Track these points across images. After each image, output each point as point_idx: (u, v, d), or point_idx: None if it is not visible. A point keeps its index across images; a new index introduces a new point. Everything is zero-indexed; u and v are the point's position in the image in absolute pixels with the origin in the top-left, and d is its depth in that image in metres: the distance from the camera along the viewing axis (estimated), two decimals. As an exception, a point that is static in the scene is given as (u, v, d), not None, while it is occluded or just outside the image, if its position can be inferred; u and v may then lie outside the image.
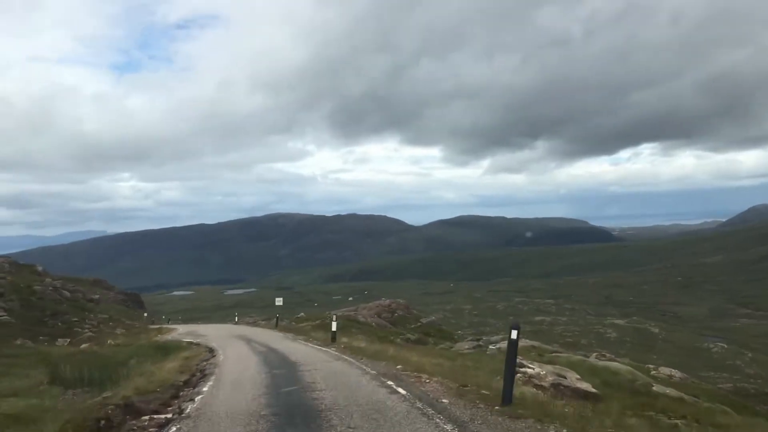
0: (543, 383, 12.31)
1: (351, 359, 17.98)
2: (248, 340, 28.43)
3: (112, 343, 29.84)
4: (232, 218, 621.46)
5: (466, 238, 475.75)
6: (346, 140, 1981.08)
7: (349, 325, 41.77)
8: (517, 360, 11.01)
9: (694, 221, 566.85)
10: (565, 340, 69.56)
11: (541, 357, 22.09)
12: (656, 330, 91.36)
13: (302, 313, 58.77)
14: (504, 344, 28.75)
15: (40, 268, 57.33)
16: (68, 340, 33.38)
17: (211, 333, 36.03)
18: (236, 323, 57.69)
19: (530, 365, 13.42)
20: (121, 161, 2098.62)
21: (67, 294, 49.52)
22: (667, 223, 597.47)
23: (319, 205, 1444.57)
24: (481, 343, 32.42)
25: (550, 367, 13.87)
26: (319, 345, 25.14)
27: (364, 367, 15.77)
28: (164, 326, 53.24)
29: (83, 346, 28.96)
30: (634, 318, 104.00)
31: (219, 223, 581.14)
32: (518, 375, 11.74)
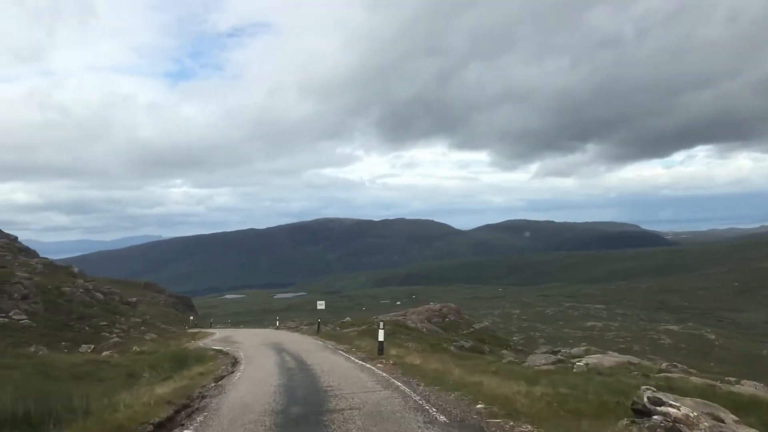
0: (698, 432, 8.09)
1: (404, 387, 13.57)
2: (281, 350, 25.60)
3: (137, 350, 28.27)
4: (281, 223, 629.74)
5: (514, 243, 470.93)
6: (394, 145, 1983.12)
7: (397, 330, 39.31)
8: (651, 393, 8.97)
9: (751, 225, 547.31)
10: (617, 346, 68.47)
11: (647, 378, 18.48)
12: (712, 336, 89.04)
13: (348, 318, 56.01)
14: (593, 359, 25.72)
15: (75, 269, 55.58)
16: (92, 346, 31.64)
17: (245, 340, 33.82)
18: (277, 327, 55.01)
19: (672, 402, 8.74)
20: (174, 168, 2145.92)
21: (100, 296, 47.23)
22: (722, 227, 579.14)
23: (366, 209, 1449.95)
24: (560, 356, 26.61)
25: (691, 402, 9.14)
26: (362, 359, 20.87)
27: (428, 407, 11.02)
28: (203, 330, 51.61)
29: (105, 353, 27.81)
30: (689, 324, 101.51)
31: (268, 228, 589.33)
32: (656, 418, 8.51)
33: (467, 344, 40.37)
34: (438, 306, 57.54)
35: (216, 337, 37.95)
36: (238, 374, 16.95)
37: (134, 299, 64.21)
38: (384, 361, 19.66)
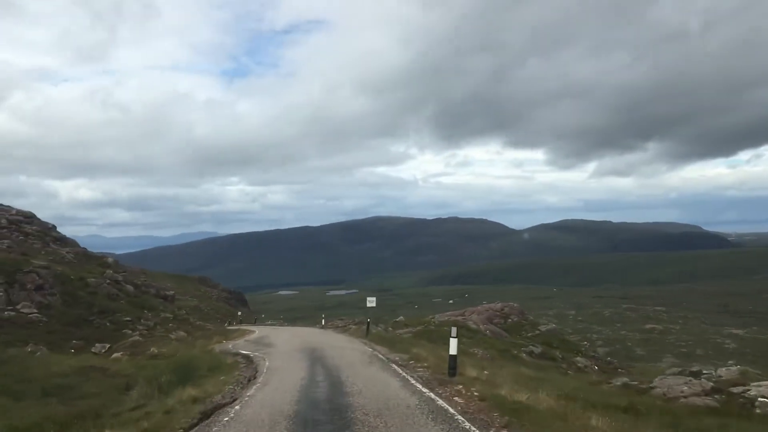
0: None
1: None
2: (317, 360, 20.33)
3: (154, 351, 24.68)
4: (334, 221, 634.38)
5: (569, 243, 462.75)
6: (449, 143, 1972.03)
7: (459, 333, 34.52)
8: None
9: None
10: (679, 350, 66.03)
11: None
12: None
13: (401, 317, 51.40)
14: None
15: (110, 260, 52.60)
16: (107, 346, 27.91)
17: (281, 342, 29.30)
18: (323, 327, 48.62)
19: None
20: (231, 166, 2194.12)
21: (130, 288, 43.50)
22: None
23: (419, 208, 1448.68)
24: (713, 382, 15.03)
25: None
26: (427, 382, 14.71)
27: None
28: (243, 328, 48.50)
29: (116, 355, 24.95)
30: (754, 328, 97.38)
31: (322, 226, 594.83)
32: None
33: (537, 350, 36.55)
34: (499, 305, 52.55)
35: (252, 337, 34.23)
36: (237, 406, 11.96)
37: (171, 293, 62.89)
38: (461, 388, 13.25)
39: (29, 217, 52.45)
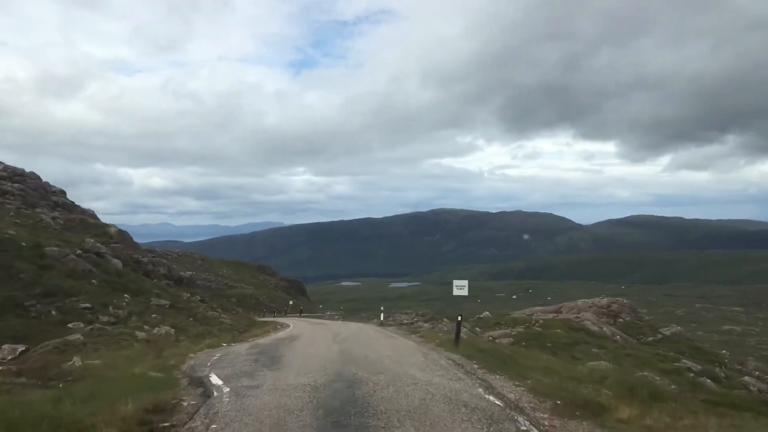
0: None
1: None
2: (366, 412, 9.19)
3: (77, 364, 14.55)
4: (397, 212, 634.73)
5: (639, 239, 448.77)
6: (516, 134, 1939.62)
7: (579, 339, 26.94)
8: None
9: None
10: (761, 353, 62.05)
11: None
12: None
13: (486, 312, 41.72)
14: None
15: (113, 230, 46.04)
16: (22, 348, 17.79)
17: (302, 357, 16.82)
18: (381, 323, 36.79)
19: None
20: (297, 156, 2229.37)
21: (117, 264, 34.07)
22: None
23: (483, 201, 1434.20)
24: None
25: None
26: None
27: None
28: (277, 320, 42.64)
29: (11, 367, 14.84)
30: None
31: (385, 217, 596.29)
32: None
33: (696, 367, 25.20)
34: (605, 301, 44.38)
35: (266, 340, 23.99)
36: None
37: (189, 274, 61.30)
38: None
39: (20, 175, 47.43)
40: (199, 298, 41.76)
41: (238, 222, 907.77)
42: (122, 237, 47.04)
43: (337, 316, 51.76)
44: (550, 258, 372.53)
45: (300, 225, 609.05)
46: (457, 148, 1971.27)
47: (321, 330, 29.60)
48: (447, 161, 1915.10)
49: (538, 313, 41.28)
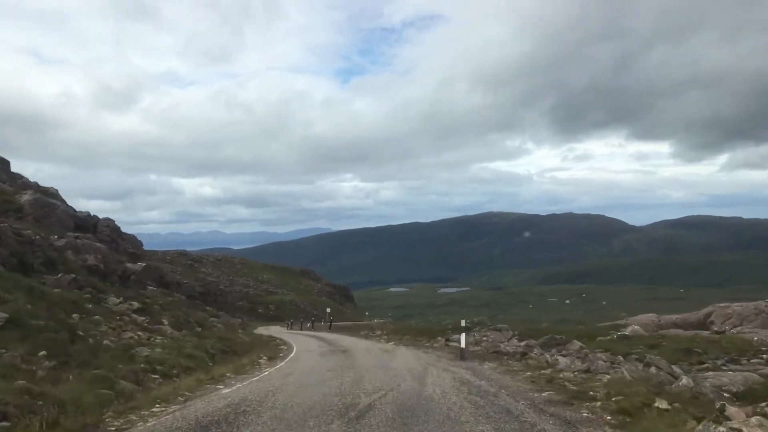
0: None
1: None
2: None
3: None
4: (445, 217, 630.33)
5: (696, 240, 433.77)
6: (567, 137, 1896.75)
7: None
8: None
9: None
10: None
11: None
12: None
13: (634, 327, 32.41)
14: None
15: (25, 199, 34.76)
16: None
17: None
18: (464, 351, 19.64)
19: None
20: (345, 162, 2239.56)
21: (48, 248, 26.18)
22: None
23: (532, 204, 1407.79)
24: None
25: None
26: None
27: None
28: (275, 337, 35.12)
29: None
30: None
31: (432, 222, 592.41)
32: None
33: None
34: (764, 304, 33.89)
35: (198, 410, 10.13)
36: None
37: (177, 277, 61.12)
38: None
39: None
40: (136, 305, 24.27)
41: (287, 229, 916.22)
42: (44, 210, 35.22)
43: (380, 334, 34.68)
44: (603, 261, 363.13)
45: (347, 231, 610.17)
46: (506, 152, 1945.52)
47: (332, 377, 14.41)
48: (495, 165, 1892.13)
49: (653, 319, 34.66)
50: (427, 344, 25.80)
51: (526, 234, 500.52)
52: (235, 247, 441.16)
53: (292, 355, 21.75)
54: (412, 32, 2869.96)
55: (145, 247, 66.00)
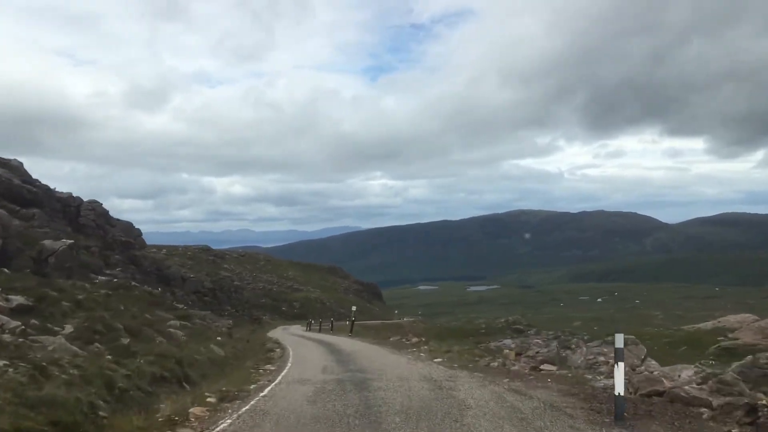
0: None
1: None
2: None
3: None
4: (474, 215, 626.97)
5: (731, 238, 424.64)
6: (599, 133, 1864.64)
7: None
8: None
9: None
10: None
11: None
12: None
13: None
14: None
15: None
16: None
17: None
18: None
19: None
20: (374, 160, 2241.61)
21: None
22: None
23: (563, 202, 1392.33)
24: None
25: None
26: None
27: None
28: (280, 342, 30.10)
29: None
30: None
31: (461, 220, 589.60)
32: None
33: None
34: None
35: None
36: None
37: (181, 271, 59.69)
38: None
39: None
40: (20, 301, 15.96)
41: (315, 227, 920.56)
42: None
43: (416, 342, 27.63)
44: (635, 258, 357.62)
45: (376, 229, 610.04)
46: (537, 149, 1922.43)
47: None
48: (526, 162, 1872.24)
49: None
50: (489, 360, 18.89)
51: (556, 232, 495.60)
52: (264, 246, 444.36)
53: (264, 393, 12.11)
54: (442, 28, 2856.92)
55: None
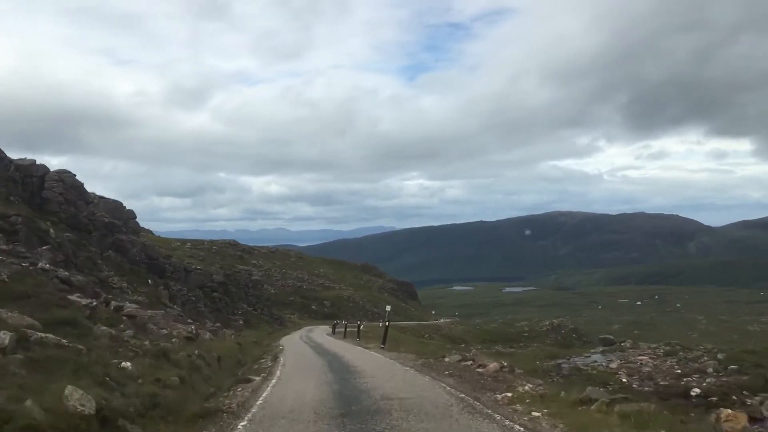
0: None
1: None
2: None
3: None
4: (511, 216, 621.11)
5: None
6: (641, 133, 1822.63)
7: None
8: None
9: None
10: None
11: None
12: None
13: None
14: None
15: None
16: None
17: None
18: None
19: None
20: (411, 160, 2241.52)
21: None
22: None
23: (602, 204, 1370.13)
24: None
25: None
26: None
27: None
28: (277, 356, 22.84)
29: None
30: None
31: (498, 221, 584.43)
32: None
33: None
34: None
35: None
36: None
37: (176, 260, 48.89)
38: None
39: None
40: None
41: (351, 227, 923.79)
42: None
43: (484, 364, 15.45)
44: (677, 261, 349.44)
45: (411, 229, 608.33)
46: (576, 149, 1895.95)
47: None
48: (565, 163, 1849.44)
49: None
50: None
51: (595, 234, 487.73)
52: (300, 245, 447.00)
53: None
54: (481, 27, 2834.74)
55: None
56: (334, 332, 41.98)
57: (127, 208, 47.88)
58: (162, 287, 36.80)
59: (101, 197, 43.69)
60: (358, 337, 33.77)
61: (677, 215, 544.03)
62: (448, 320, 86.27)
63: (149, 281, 36.01)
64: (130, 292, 27.99)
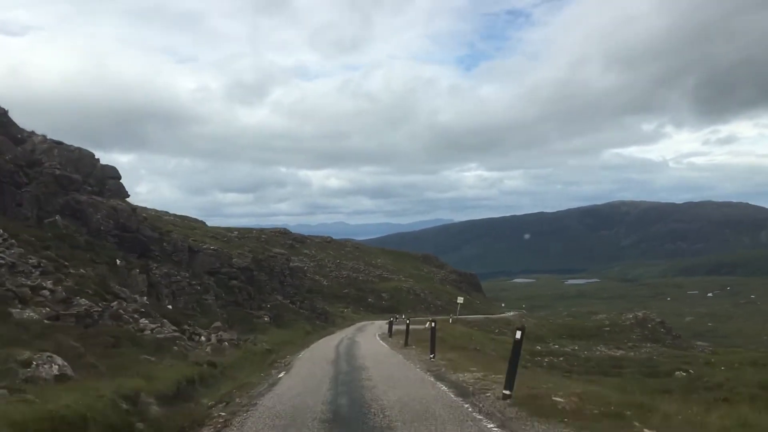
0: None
1: None
2: None
3: None
4: (572, 206, 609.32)
5: None
6: (711, 118, 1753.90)
7: None
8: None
9: None
10: None
11: None
12: None
13: None
14: None
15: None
16: None
17: None
18: None
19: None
20: (470, 151, 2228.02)
21: None
22: None
23: (666, 192, 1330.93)
24: None
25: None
26: None
27: None
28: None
29: None
30: None
31: (558, 212, 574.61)
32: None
33: None
34: None
35: None
36: None
37: (203, 246, 41.31)
38: None
39: None
40: None
41: (410, 220, 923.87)
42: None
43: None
44: (750, 251, 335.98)
45: (470, 221, 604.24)
46: (641, 136, 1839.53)
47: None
48: (629, 151, 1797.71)
49: None
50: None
51: (659, 223, 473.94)
52: (359, 238, 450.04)
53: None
54: (541, 13, 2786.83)
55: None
56: (391, 334, 31.77)
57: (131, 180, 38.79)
58: (138, 270, 28.10)
59: (56, 142, 31.36)
60: (406, 344, 24.70)
61: (747, 203, 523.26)
62: (516, 313, 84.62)
63: (117, 261, 26.64)
64: (37, 274, 17.40)
